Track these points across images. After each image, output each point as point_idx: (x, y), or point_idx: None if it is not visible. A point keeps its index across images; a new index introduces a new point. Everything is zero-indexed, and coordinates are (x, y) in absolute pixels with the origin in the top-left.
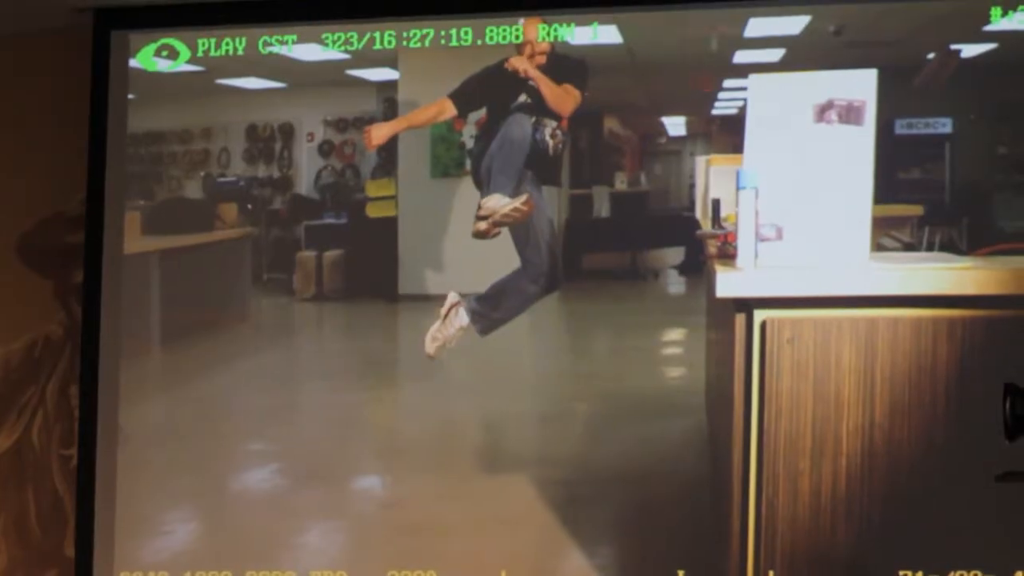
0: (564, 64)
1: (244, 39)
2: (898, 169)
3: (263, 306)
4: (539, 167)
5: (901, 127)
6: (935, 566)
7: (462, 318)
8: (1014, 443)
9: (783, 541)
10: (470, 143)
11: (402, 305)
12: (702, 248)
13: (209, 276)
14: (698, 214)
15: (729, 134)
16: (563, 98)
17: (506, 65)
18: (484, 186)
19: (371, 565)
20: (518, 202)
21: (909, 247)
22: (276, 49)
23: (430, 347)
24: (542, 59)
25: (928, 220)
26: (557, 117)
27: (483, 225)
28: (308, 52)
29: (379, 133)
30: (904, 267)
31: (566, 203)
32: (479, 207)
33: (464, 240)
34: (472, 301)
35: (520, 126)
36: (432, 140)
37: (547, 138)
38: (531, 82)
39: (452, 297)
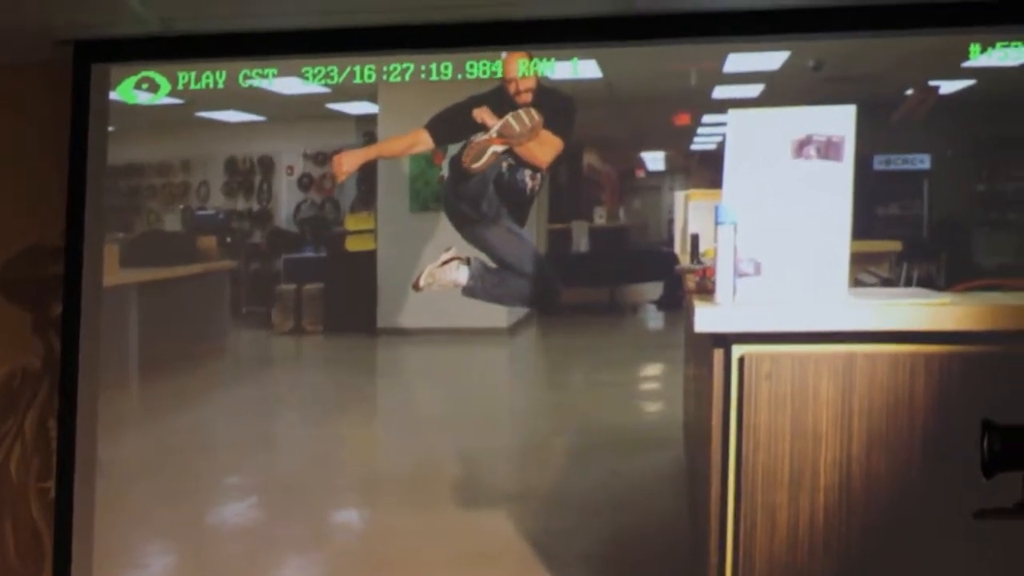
0: (550, 103)
1: (224, 72)
2: (876, 205)
3: (242, 339)
4: (513, 204)
5: (879, 163)
6: None
7: (461, 274)
8: (991, 479)
9: (760, 575)
10: None
11: (380, 339)
12: (680, 283)
13: (188, 309)
14: (677, 249)
15: (708, 169)
16: (534, 152)
17: (473, 115)
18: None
19: None
20: (531, 109)
21: (887, 282)
22: (256, 82)
23: (424, 280)
24: (527, 96)
25: (906, 256)
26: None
27: (483, 136)
28: (288, 85)
29: (349, 161)
30: (882, 303)
31: (544, 238)
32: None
33: None
34: (480, 265)
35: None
36: (411, 174)
37: (526, 179)
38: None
39: (455, 251)
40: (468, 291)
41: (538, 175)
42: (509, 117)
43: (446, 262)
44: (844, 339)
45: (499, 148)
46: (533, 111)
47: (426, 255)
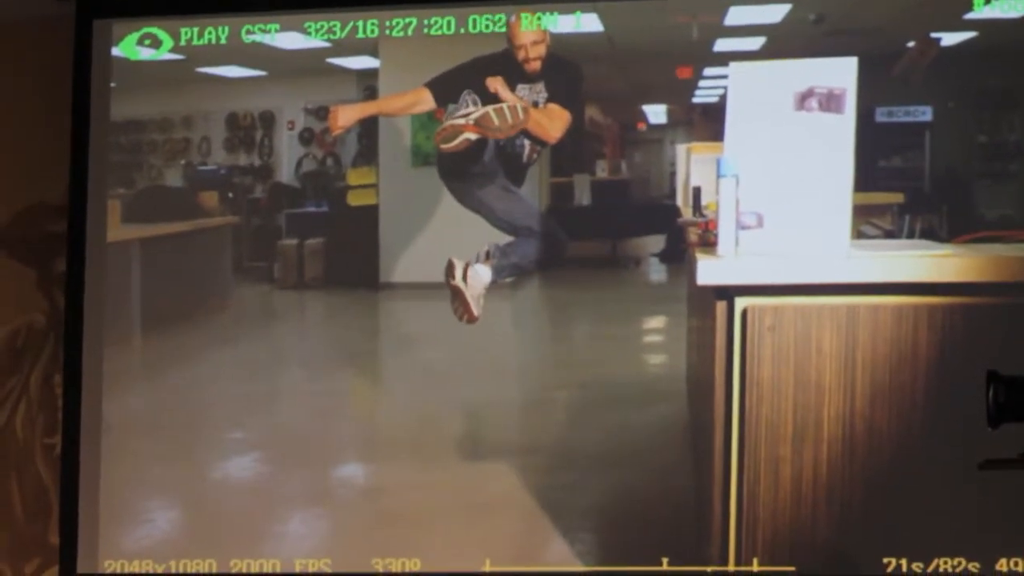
0: (559, 74)
1: (227, 28)
2: (878, 157)
3: (244, 295)
4: (508, 168)
5: (881, 115)
6: (918, 553)
7: (484, 275)
8: (996, 430)
9: (765, 528)
10: None
11: (383, 294)
12: (683, 236)
13: (190, 265)
14: (679, 202)
15: (710, 122)
16: (544, 126)
17: (486, 84)
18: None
19: (354, 553)
20: (517, 104)
21: (889, 235)
22: (259, 38)
23: (475, 307)
24: (536, 64)
25: (908, 208)
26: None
27: (460, 120)
28: (290, 40)
29: (344, 115)
30: (885, 255)
31: (547, 191)
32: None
33: (445, 229)
34: (496, 248)
35: None
36: (413, 128)
37: (526, 147)
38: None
39: (459, 264)
40: (501, 274)
41: (538, 146)
42: (491, 110)
43: (464, 274)
44: (847, 291)
45: (472, 136)
46: (519, 109)
47: (428, 211)
